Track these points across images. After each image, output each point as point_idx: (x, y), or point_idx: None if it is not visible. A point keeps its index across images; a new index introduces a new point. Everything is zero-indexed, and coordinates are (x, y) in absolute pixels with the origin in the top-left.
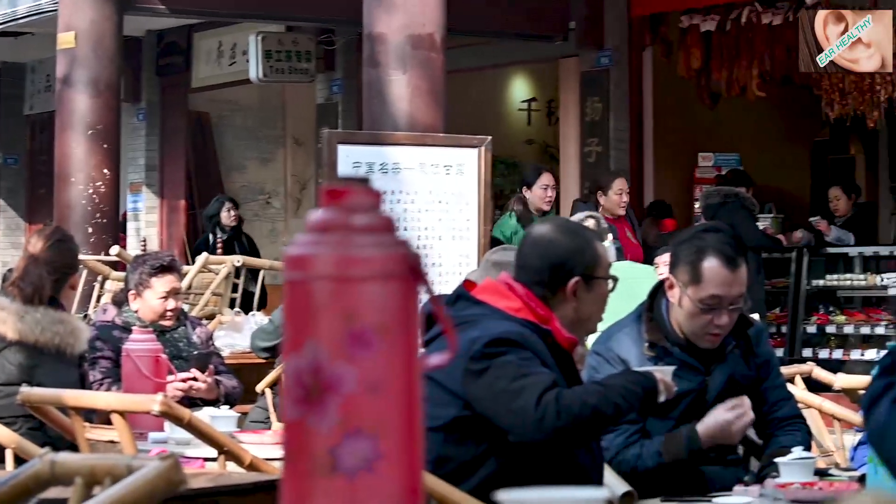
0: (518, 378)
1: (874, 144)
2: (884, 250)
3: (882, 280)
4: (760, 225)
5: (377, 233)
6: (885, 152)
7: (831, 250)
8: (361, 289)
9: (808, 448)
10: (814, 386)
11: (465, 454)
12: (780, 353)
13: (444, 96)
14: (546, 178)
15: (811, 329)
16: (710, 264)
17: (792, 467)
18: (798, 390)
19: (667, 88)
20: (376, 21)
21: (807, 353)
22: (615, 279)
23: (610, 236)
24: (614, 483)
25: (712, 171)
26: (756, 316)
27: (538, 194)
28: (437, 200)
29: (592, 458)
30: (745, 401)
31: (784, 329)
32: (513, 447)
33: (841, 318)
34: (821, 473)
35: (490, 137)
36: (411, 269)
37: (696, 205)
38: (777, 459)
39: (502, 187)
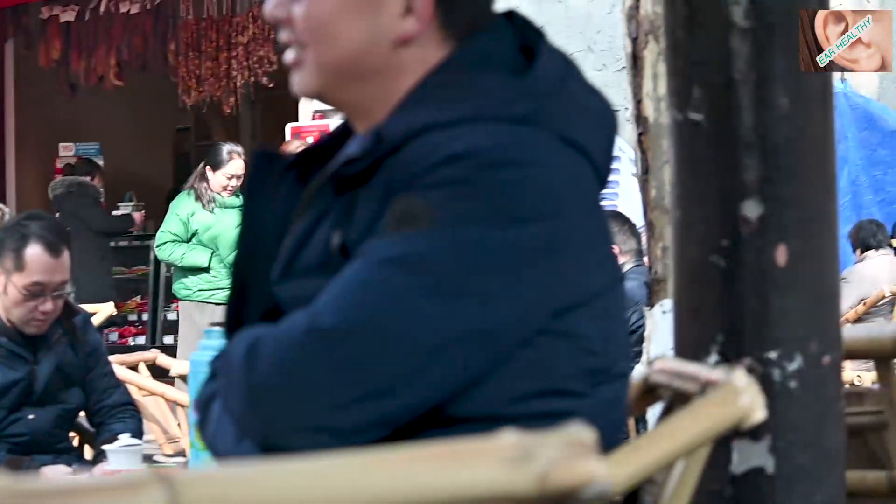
0: None
1: (237, 130)
2: None
3: None
4: (121, 213)
5: None
6: (248, 137)
7: None
8: None
9: (137, 435)
10: (160, 373)
11: None
12: (141, 340)
13: None
14: (234, 168)
15: (172, 316)
16: (33, 252)
17: (120, 454)
18: (142, 377)
19: (29, 80)
20: None
21: (168, 339)
22: None
23: None
24: None
25: (74, 161)
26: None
27: (220, 181)
28: None
29: None
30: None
31: (145, 317)
32: None
33: None
34: (148, 460)
35: None
36: None
37: None
38: (105, 447)
39: None
